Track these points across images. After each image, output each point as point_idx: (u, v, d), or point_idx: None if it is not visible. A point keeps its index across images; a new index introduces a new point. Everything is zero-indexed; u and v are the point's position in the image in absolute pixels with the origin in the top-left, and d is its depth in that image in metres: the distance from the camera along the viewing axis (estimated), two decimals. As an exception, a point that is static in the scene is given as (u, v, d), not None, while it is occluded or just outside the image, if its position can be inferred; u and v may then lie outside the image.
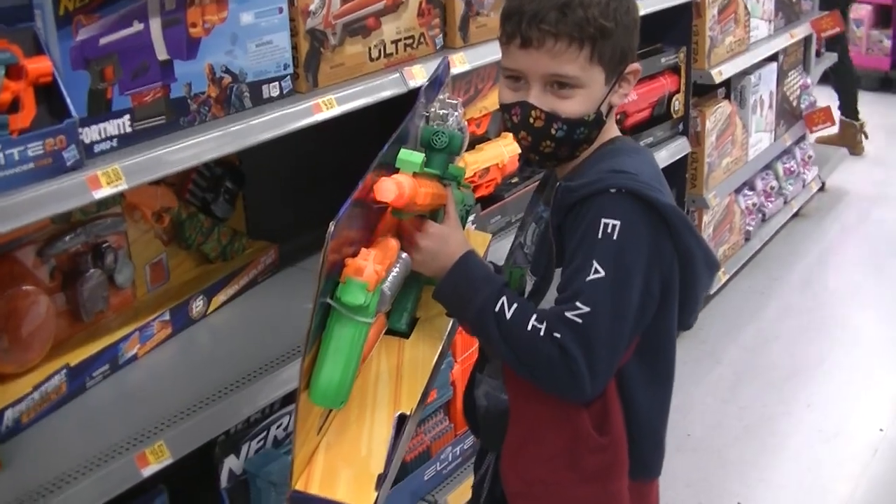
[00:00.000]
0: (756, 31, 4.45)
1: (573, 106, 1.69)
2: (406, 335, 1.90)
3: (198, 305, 2.48)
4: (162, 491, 2.15)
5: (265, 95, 2.14)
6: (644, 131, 3.81)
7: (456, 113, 1.94)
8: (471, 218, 2.35)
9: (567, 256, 1.68)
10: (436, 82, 1.96)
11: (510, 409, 1.83)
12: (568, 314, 1.61)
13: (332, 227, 1.43)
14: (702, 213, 4.25)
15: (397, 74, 2.42)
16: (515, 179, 3.19)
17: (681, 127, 4.02)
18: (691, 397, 3.77)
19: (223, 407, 2.16)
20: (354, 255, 1.56)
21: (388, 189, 1.55)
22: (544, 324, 1.62)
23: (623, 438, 1.74)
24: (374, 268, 1.52)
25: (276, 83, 2.16)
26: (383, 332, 1.91)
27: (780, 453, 3.49)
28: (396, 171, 1.64)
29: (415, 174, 1.63)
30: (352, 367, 1.54)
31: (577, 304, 1.61)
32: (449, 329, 1.91)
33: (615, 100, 1.76)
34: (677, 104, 3.95)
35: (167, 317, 2.38)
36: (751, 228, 4.77)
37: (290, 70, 2.19)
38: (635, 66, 1.76)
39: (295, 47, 2.19)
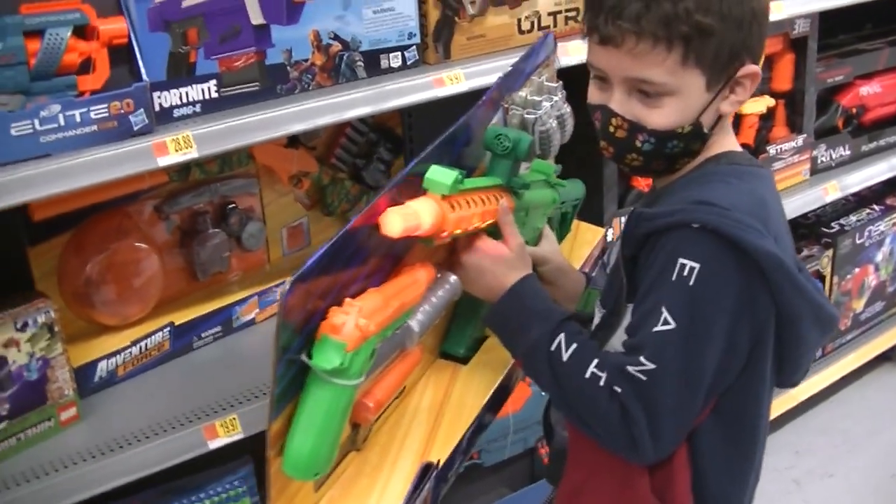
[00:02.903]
0: None
1: (662, 117, 1.43)
2: (465, 360, 1.72)
3: (331, 274, 2.42)
4: (249, 461, 2.12)
5: (384, 65, 2.03)
6: (887, 128, 3.39)
7: (555, 98, 1.72)
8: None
9: (640, 294, 1.43)
10: (529, 60, 1.73)
11: (569, 451, 1.63)
12: (630, 368, 1.38)
13: (288, 282, 1.21)
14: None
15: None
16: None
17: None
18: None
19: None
20: (342, 302, 1.34)
21: (393, 223, 1.33)
22: (605, 374, 1.40)
23: None
24: (358, 323, 1.30)
25: (398, 53, 2.04)
26: (431, 360, 1.73)
27: None
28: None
29: (444, 196, 1.41)
30: (329, 434, 1.34)
31: (642, 358, 1.37)
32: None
33: (726, 108, 1.47)
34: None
35: (291, 283, 2.34)
36: None
37: (416, 39, 2.06)
38: (752, 68, 1.44)
39: (423, 15, 2.06)
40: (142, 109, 1.69)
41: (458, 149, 1.55)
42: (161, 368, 2.11)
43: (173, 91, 1.76)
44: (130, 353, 2.05)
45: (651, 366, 1.37)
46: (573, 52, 2.25)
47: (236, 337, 2.24)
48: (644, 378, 1.37)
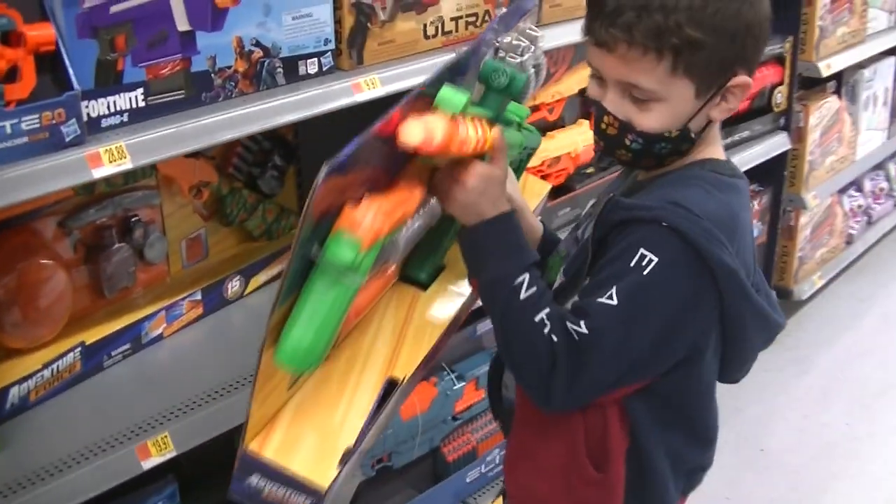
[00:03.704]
0: (874, 21, 4.14)
1: (651, 120, 1.48)
2: (425, 286, 1.71)
3: (234, 285, 2.37)
4: (172, 481, 2.05)
5: (301, 72, 2.01)
6: (741, 124, 3.57)
7: (534, 48, 1.73)
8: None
9: (598, 265, 1.51)
10: (517, 10, 1.74)
11: (515, 412, 1.71)
12: (570, 326, 1.45)
13: (327, 166, 1.21)
14: (799, 213, 4.00)
15: (454, 55, 2.25)
16: (590, 170, 3.01)
17: (782, 122, 3.77)
18: (770, 409, 3.55)
19: (243, 397, 2.04)
20: (359, 200, 1.33)
21: (414, 133, 1.32)
22: (550, 323, 1.46)
23: (620, 479, 1.58)
24: (375, 223, 1.30)
25: (315, 59, 2.02)
26: (392, 282, 1.72)
27: (857, 480, 3.26)
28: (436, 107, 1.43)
29: (453, 116, 1.41)
30: (327, 332, 1.33)
31: (582, 322, 1.45)
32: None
33: (716, 114, 1.52)
34: (779, 97, 3.70)
35: (199, 296, 2.28)
36: (854, 231, 4.48)
37: (332, 45, 2.05)
38: (743, 79, 1.49)
39: (338, 21, 2.05)
40: (74, 119, 1.61)
41: (458, 78, 1.54)
42: (74, 391, 2.01)
43: (101, 100, 1.69)
44: (42, 376, 1.95)
45: (586, 331, 1.44)
46: (476, 56, 2.28)
47: (146, 353, 2.16)
48: (577, 339, 1.44)
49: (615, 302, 1.43)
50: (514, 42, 1.65)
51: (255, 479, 1.39)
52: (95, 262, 2.11)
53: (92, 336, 2.06)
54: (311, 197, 1.21)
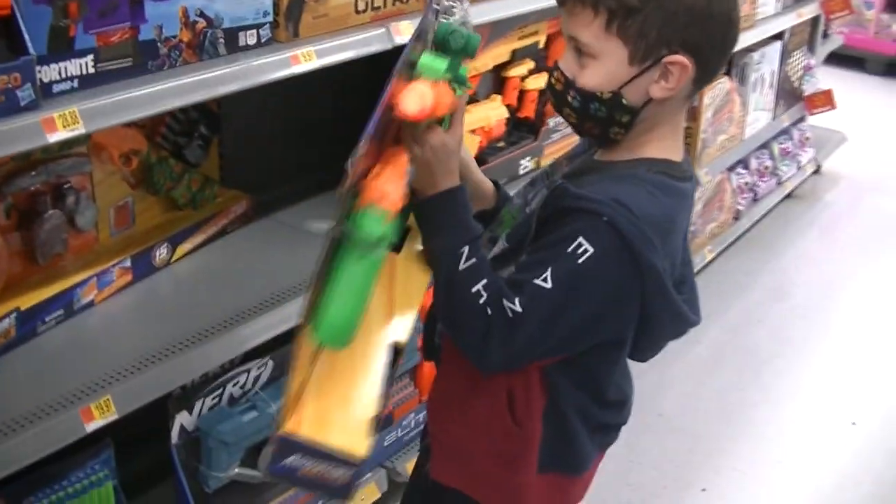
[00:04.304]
0: (763, 7, 4.33)
1: (585, 77, 1.57)
2: (397, 249, 1.73)
3: (161, 253, 2.40)
4: (108, 445, 2.08)
5: (241, 43, 2.04)
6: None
7: (463, 6, 1.80)
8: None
9: (538, 244, 1.60)
10: None
11: (442, 361, 1.81)
12: (506, 302, 1.55)
13: (365, 140, 1.29)
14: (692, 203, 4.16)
15: (383, 30, 2.31)
16: (501, 144, 3.11)
17: (678, 101, 3.92)
18: (666, 377, 3.70)
19: (178, 362, 2.09)
20: (366, 174, 1.40)
21: (412, 102, 1.41)
22: (486, 294, 1.55)
23: (536, 433, 1.69)
24: (397, 192, 1.37)
25: (254, 31, 2.06)
26: None
27: (751, 441, 3.43)
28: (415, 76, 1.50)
29: (435, 81, 1.48)
30: (361, 306, 1.42)
31: (517, 300, 1.54)
32: None
33: (655, 92, 1.56)
34: (676, 77, 3.85)
35: (128, 263, 2.31)
36: (741, 207, 4.69)
37: (270, 18, 2.09)
38: (680, 58, 1.53)
39: (277, -6, 2.09)
40: (28, 84, 1.63)
41: (417, 43, 1.60)
42: (9, 356, 2.02)
43: (53, 66, 1.70)
44: (-22, 341, 1.96)
45: (520, 309, 1.54)
46: (405, 30, 2.35)
47: (79, 319, 2.18)
48: (511, 315, 1.54)
49: (549, 285, 1.52)
50: (445, 2, 1.73)
51: (294, 459, 1.45)
52: (28, 229, 2.11)
53: (26, 302, 2.07)
54: (353, 170, 1.27)
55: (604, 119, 1.60)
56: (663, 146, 1.64)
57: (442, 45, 1.61)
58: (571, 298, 1.54)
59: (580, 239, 1.52)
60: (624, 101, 1.57)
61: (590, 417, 1.74)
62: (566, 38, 1.60)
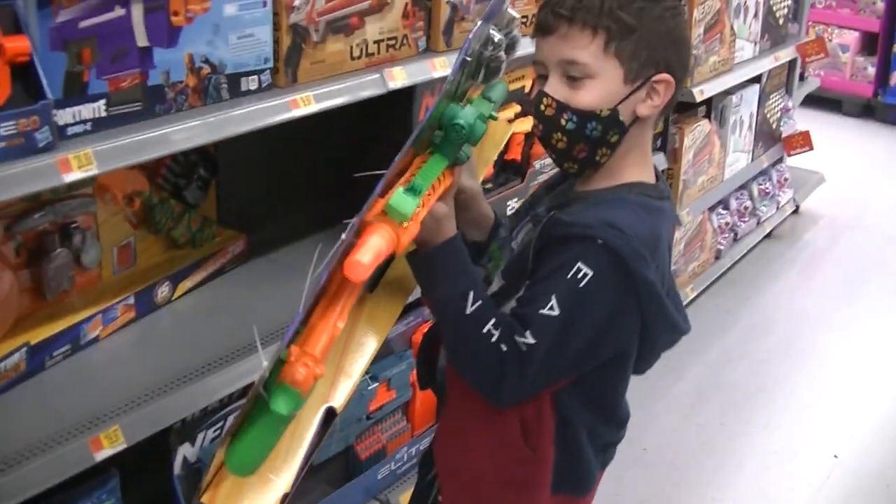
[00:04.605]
0: (741, 51, 4.48)
1: (584, 96, 1.67)
2: (371, 288, 1.79)
3: (163, 291, 2.48)
4: (114, 475, 2.15)
5: (243, 88, 2.14)
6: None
7: (512, 31, 1.87)
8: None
9: (537, 276, 1.69)
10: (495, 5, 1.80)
11: (448, 394, 1.88)
12: (517, 338, 1.64)
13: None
14: (674, 229, 4.26)
15: (377, 75, 2.42)
16: (490, 185, 3.21)
17: (659, 143, 4.04)
18: (650, 413, 3.79)
19: (180, 395, 2.16)
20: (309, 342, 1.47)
21: (359, 272, 1.44)
22: (497, 332, 1.64)
23: (549, 456, 1.77)
24: (314, 372, 1.43)
25: (256, 76, 2.16)
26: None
27: (735, 472, 3.52)
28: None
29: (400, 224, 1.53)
30: (268, 450, 1.51)
31: (527, 333, 1.63)
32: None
33: (642, 110, 1.70)
34: (657, 120, 3.97)
35: (132, 300, 2.38)
36: (722, 247, 4.80)
37: (270, 64, 2.19)
38: (666, 76, 1.69)
39: (276, 42, 2.19)
40: (46, 127, 1.72)
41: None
42: (19, 389, 2.09)
43: (68, 109, 1.80)
44: (-10, 375, 2.03)
45: (532, 341, 1.63)
46: (398, 76, 2.46)
47: (85, 354, 2.25)
48: (525, 349, 1.64)
49: (556, 312, 1.62)
50: (497, 35, 1.81)
51: None
52: (37, 266, 2.19)
53: (35, 337, 2.14)
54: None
55: (597, 139, 1.69)
56: (639, 170, 1.76)
57: (445, 132, 1.65)
58: (578, 321, 1.64)
59: (579, 264, 1.62)
60: (620, 117, 1.68)
61: (596, 436, 1.82)
62: (553, 64, 1.69)
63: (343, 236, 1.48)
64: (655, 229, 1.72)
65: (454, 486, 1.88)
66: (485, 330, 1.64)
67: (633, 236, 1.64)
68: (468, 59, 1.67)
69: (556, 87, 1.69)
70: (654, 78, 1.68)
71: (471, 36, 1.64)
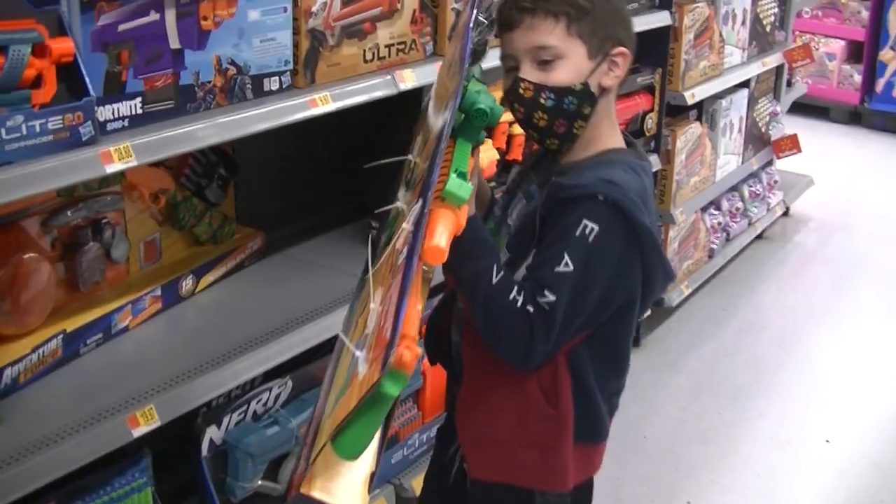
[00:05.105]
0: (730, 57, 4.63)
1: (558, 75, 1.84)
2: None
3: (187, 284, 2.61)
4: (146, 454, 2.27)
5: (266, 88, 2.28)
6: (618, 146, 3.96)
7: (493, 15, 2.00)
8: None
9: (546, 241, 1.83)
10: None
11: (466, 369, 2.00)
12: (539, 299, 1.78)
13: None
14: (668, 227, 4.42)
15: (389, 77, 2.56)
16: (493, 184, 3.34)
17: (653, 144, 4.19)
18: (650, 404, 3.93)
19: (208, 378, 2.29)
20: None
21: (440, 255, 1.54)
22: (521, 297, 1.78)
23: (570, 411, 1.90)
24: (417, 351, 1.47)
25: (277, 77, 2.30)
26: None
27: (732, 458, 3.65)
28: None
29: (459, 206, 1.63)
30: (376, 429, 1.53)
31: (546, 292, 1.77)
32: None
33: (607, 81, 1.88)
34: (650, 123, 4.12)
35: (158, 292, 2.51)
36: (715, 246, 4.94)
37: (290, 66, 2.33)
38: (622, 48, 1.89)
39: (296, 45, 2.33)
40: (89, 122, 1.86)
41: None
42: (56, 374, 2.22)
43: (108, 106, 1.94)
44: (31, 360, 2.16)
45: (552, 297, 1.78)
46: (408, 78, 2.60)
47: (116, 342, 2.38)
48: (547, 308, 1.78)
49: (571, 268, 1.77)
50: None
51: None
52: (71, 259, 2.33)
53: (71, 325, 2.27)
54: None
55: (573, 113, 1.86)
56: (612, 139, 1.94)
57: (466, 115, 1.79)
58: (591, 273, 1.79)
59: (584, 221, 1.78)
60: (592, 90, 1.86)
61: (605, 386, 1.97)
62: (524, 53, 1.86)
63: (405, 225, 1.58)
64: (644, 184, 1.90)
65: (481, 455, 2.00)
66: (510, 297, 1.78)
67: (628, 188, 1.81)
68: (477, 48, 1.82)
69: (530, 72, 1.86)
70: (612, 52, 1.88)
71: (471, 25, 1.79)
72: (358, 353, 1.54)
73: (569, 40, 1.84)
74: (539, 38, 1.84)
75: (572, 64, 1.85)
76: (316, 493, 1.63)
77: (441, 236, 1.57)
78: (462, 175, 1.66)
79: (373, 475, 1.66)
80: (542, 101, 1.85)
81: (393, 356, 1.54)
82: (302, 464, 1.68)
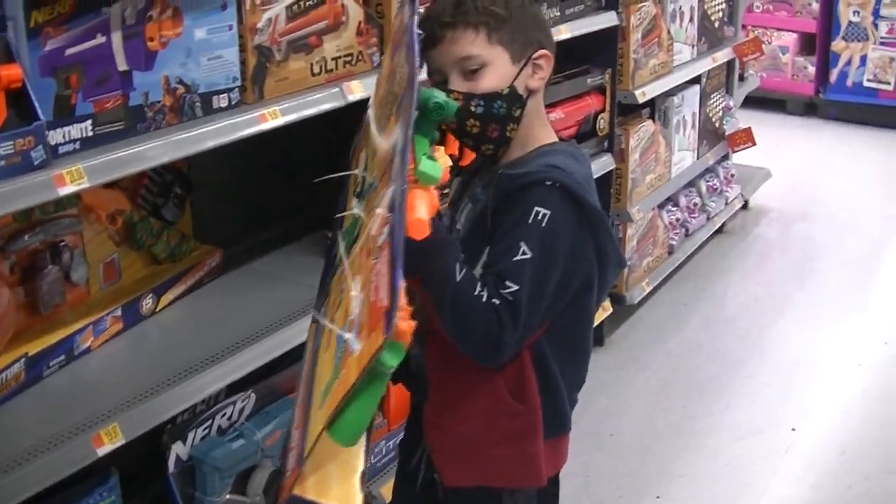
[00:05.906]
0: (679, 54, 4.69)
1: (485, 82, 1.91)
2: None
3: (147, 303, 2.63)
4: (114, 473, 2.29)
5: (215, 105, 2.31)
6: (572, 148, 4.02)
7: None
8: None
9: (499, 234, 1.88)
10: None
11: (430, 377, 2.02)
12: (503, 291, 1.81)
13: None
14: (626, 226, 4.47)
15: (337, 89, 2.60)
16: (447, 191, 3.37)
17: (606, 144, 4.23)
18: (616, 401, 3.98)
19: (171, 394, 2.31)
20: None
21: (422, 227, 1.60)
22: (485, 292, 1.81)
23: (538, 406, 1.94)
24: (412, 322, 1.51)
25: (226, 94, 2.33)
26: None
27: (699, 451, 3.70)
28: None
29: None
30: (373, 411, 1.57)
31: (507, 283, 1.81)
32: None
33: (532, 83, 1.96)
34: (602, 123, 4.17)
35: (119, 312, 2.53)
36: (674, 242, 4.99)
37: (239, 83, 2.36)
38: (544, 51, 1.97)
39: (243, 62, 2.36)
40: (41, 146, 1.88)
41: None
42: (19, 398, 2.24)
43: (58, 130, 1.96)
44: (-7, 385, 2.18)
45: (515, 287, 1.81)
46: (356, 89, 2.63)
47: (79, 363, 2.40)
48: (511, 298, 1.81)
49: (529, 255, 1.82)
50: None
51: None
52: (31, 283, 2.34)
53: (33, 348, 2.29)
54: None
55: (503, 117, 1.93)
56: (546, 136, 2.02)
57: (422, 111, 1.81)
58: (549, 257, 1.84)
59: (536, 207, 1.84)
60: (519, 92, 1.93)
61: (567, 375, 2.00)
62: (450, 65, 1.92)
63: (378, 210, 1.59)
64: (586, 170, 1.99)
65: (455, 462, 2.02)
66: (476, 293, 1.81)
67: (575, 172, 1.89)
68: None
69: (458, 83, 1.92)
70: (534, 55, 1.95)
71: (414, 24, 1.82)
72: (348, 335, 1.56)
73: (491, 48, 1.91)
74: (463, 50, 1.91)
75: (497, 70, 1.92)
76: (310, 495, 1.66)
77: (421, 210, 1.62)
78: (430, 158, 1.72)
79: (363, 474, 1.69)
80: (472, 108, 1.91)
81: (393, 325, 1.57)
82: (292, 463, 1.69)
